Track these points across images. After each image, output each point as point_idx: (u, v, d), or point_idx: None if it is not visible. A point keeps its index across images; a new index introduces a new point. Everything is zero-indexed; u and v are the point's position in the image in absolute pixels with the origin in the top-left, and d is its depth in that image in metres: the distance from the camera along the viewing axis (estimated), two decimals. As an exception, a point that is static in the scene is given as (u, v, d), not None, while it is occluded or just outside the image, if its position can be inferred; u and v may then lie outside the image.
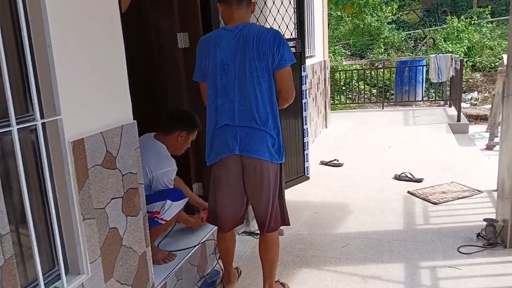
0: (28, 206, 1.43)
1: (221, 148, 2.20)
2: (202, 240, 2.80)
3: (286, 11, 4.09)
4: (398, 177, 4.38)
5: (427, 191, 3.97)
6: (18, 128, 1.39)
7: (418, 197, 3.85)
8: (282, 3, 4.05)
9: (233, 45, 2.12)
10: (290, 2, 4.08)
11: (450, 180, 4.21)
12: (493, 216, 3.14)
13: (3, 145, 1.43)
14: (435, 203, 3.67)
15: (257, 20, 3.61)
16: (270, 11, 3.92)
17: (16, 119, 1.40)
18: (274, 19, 3.94)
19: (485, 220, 3.03)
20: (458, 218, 3.36)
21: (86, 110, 1.68)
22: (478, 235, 3.02)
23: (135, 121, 1.96)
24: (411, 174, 4.36)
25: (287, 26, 4.06)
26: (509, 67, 2.89)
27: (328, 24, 14.09)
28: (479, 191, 3.86)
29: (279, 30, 3.93)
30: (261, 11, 3.72)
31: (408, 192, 3.98)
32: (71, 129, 1.59)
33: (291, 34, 4.07)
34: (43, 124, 1.53)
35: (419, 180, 4.26)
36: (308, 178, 4.36)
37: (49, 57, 1.49)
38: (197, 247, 2.69)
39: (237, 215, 2.36)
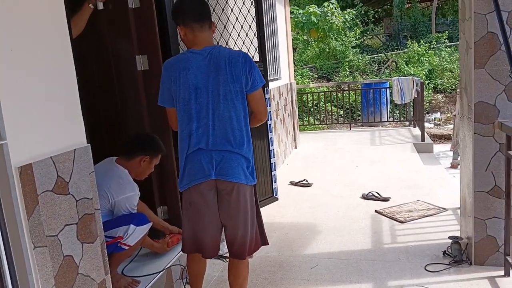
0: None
1: (196, 174, 2.13)
2: (168, 265, 2.70)
3: (247, 35, 4.14)
4: (365, 197, 4.41)
5: (394, 209, 4.00)
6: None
7: (385, 216, 3.87)
8: (242, 27, 4.09)
9: (205, 68, 2.08)
10: (250, 27, 4.13)
11: (416, 198, 4.27)
12: (458, 234, 3.18)
13: None
14: (401, 222, 3.70)
15: (218, 43, 3.61)
16: (230, 35, 3.95)
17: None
18: (235, 42, 3.97)
19: (450, 237, 3.06)
20: (425, 236, 3.39)
21: (35, 134, 1.60)
22: (444, 252, 3.04)
23: (89, 144, 1.88)
24: (378, 193, 4.39)
25: (248, 50, 4.09)
26: (461, 89, 2.99)
27: (295, 48, 14.45)
28: (444, 209, 3.92)
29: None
30: (221, 35, 3.73)
31: (376, 211, 4.00)
32: (18, 154, 1.51)
33: (253, 58, 4.10)
34: (-14, 148, 1.44)
35: (386, 199, 4.29)
36: (277, 199, 4.34)
37: (-7, 80, 1.41)
38: (162, 272, 2.59)
39: (215, 243, 2.27)
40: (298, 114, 9.19)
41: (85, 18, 2.71)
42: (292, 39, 13.83)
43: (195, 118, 2.09)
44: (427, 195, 4.34)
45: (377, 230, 3.58)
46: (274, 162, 4.28)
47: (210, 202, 2.17)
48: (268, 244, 2.40)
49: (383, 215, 3.90)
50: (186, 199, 2.21)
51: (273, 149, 4.26)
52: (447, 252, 3.03)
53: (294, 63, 13.41)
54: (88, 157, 1.88)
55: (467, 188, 2.97)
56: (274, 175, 4.28)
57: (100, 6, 2.72)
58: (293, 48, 14.29)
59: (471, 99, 2.79)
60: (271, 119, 4.17)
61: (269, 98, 4.07)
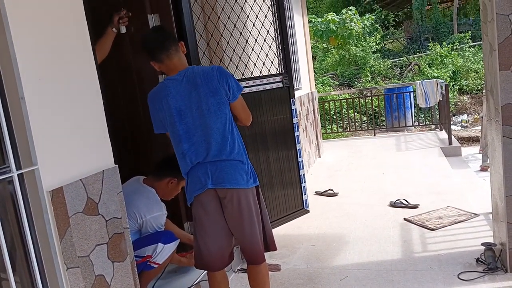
0: (7, 260, 1.38)
1: (194, 186, 2.21)
2: (197, 281, 2.72)
3: (270, 47, 4.13)
4: (393, 204, 4.33)
5: (423, 217, 3.92)
6: (-7, 180, 1.37)
7: (414, 224, 3.79)
8: (265, 40, 4.08)
9: (183, 90, 2.18)
10: (273, 39, 4.13)
11: (446, 204, 4.17)
12: (491, 240, 3.09)
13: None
14: (432, 229, 3.62)
15: (240, 58, 3.64)
16: (253, 49, 3.94)
17: (-9, 171, 1.37)
18: (258, 56, 3.96)
19: (483, 244, 2.97)
20: (456, 244, 3.30)
21: (64, 158, 1.66)
22: (477, 260, 2.95)
23: (117, 165, 1.93)
24: (406, 201, 4.31)
25: (272, 62, 4.08)
26: (488, 92, 2.92)
27: (315, 56, 14.43)
28: (475, 214, 3.82)
29: (264, 66, 3.97)
30: (244, 50, 3.75)
31: (404, 219, 3.93)
32: (49, 178, 1.57)
33: (277, 70, 4.10)
34: (20, 174, 1.50)
35: (414, 206, 4.21)
36: (308, 211, 4.20)
37: (23, 109, 1.48)
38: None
39: (223, 254, 2.30)
40: (321, 122, 9.17)
41: (109, 42, 2.80)
42: (312, 48, 13.86)
43: (184, 138, 2.18)
44: (457, 201, 4.24)
45: (406, 239, 3.51)
46: (304, 174, 4.20)
47: (211, 213, 2.22)
48: (276, 249, 2.42)
49: (412, 223, 3.82)
50: (193, 214, 2.29)
51: (302, 161, 4.17)
52: (480, 259, 2.94)
53: (314, 71, 13.41)
54: (116, 178, 1.93)
55: (498, 193, 2.89)
56: (304, 186, 4.17)
57: (123, 30, 2.81)
58: (312, 57, 14.34)
59: (497, 102, 2.73)
60: (298, 130, 4.09)
61: (295, 109, 4.05)
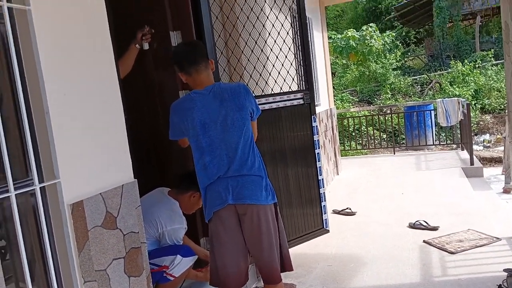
0: (27, 271, 1.40)
1: (214, 201, 2.20)
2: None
3: (291, 64, 4.12)
4: (412, 225, 4.25)
5: (443, 239, 3.82)
6: (17, 193, 1.39)
7: (434, 246, 3.70)
8: (286, 57, 4.08)
9: (209, 104, 2.21)
10: (295, 56, 4.13)
11: (467, 226, 4.07)
12: (514, 265, 2.99)
13: (4, 209, 1.43)
14: (452, 253, 3.52)
15: (260, 75, 3.66)
16: (273, 66, 3.95)
17: (16, 183, 1.41)
18: (279, 72, 3.97)
19: (505, 270, 2.88)
20: (477, 268, 3.21)
21: (86, 172, 1.69)
22: (499, 286, 2.86)
23: (136, 180, 1.95)
24: (426, 222, 4.22)
25: (293, 79, 4.07)
26: (510, 112, 2.87)
27: (334, 72, 14.42)
28: (497, 238, 3.71)
29: (284, 83, 3.97)
30: (264, 66, 3.77)
31: (424, 241, 3.84)
32: (70, 191, 1.59)
33: (298, 86, 4.09)
34: (42, 187, 1.53)
35: (434, 228, 4.12)
36: (328, 231, 4.03)
37: (47, 123, 1.52)
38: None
39: (240, 273, 2.28)
40: (340, 139, 9.11)
41: (132, 58, 2.87)
42: (331, 64, 13.86)
43: (207, 151, 2.20)
44: (478, 223, 4.13)
45: (426, 262, 3.43)
46: (324, 192, 4.06)
47: (230, 229, 2.21)
48: (292, 270, 2.39)
49: (432, 245, 3.74)
50: (210, 230, 2.27)
51: (322, 179, 4.05)
52: (502, 286, 2.84)
53: (333, 88, 13.39)
54: (135, 192, 1.95)
55: (522, 218, 2.81)
56: (324, 205, 4.04)
57: (146, 46, 2.87)
58: (332, 73, 14.34)
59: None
60: (318, 148, 3.99)
61: (316, 126, 3.96)
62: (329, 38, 13.10)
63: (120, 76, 2.80)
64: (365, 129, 9.65)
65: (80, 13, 1.75)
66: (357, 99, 12.52)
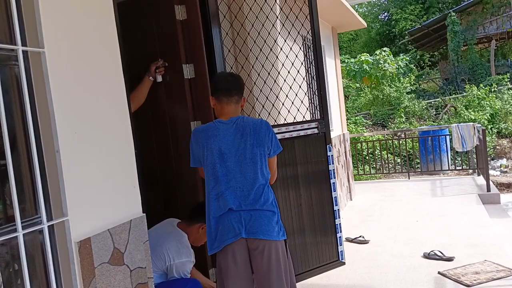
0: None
1: (227, 234, 2.19)
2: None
3: (305, 94, 4.10)
4: (427, 256, 4.15)
5: (459, 271, 3.72)
6: (25, 232, 1.42)
7: (449, 278, 3.60)
8: (300, 87, 4.05)
9: (231, 135, 2.26)
10: (309, 85, 4.10)
11: (483, 257, 3.96)
12: (533, 301, 2.89)
13: (12, 247, 1.45)
14: (468, 286, 3.42)
15: (273, 105, 3.68)
16: (287, 96, 3.93)
17: (24, 221, 1.43)
18: (292, 102, 3.95)
19: (524, 306, 2.78)
20: (495, 303, 3.11)
21: (94, 209, 1.71)
22: (518, 323, 2.76)
23: (144, 214, 1.97)
24: (441, 252, 4.12)
25: (307, 109, 4.05)
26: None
27: (348, 96, 14.45)
28: (516, 270, 3.60)
29: (299, 112, 3.96)
30: (277, 97, 3.78)
31: (439, 272, 3.74)
32: (78, 228, 1.61)
33: (312, 115, 4.06)
34: (50, 225, 1.55)
35: (449, 259, 4.01)
36: (344, 263, 3.91)
37: (57, 162, 1.55)
38: None
39: None
40: (353, 162, 9.03)
41: (146, 90, 2.93)
42: (344, 87, 13.92)
43: (223, 180, 2.21)
44: (495, 254, 4.01)
45: (440, 295, 3.34)
46: (340, 223, 3.93)
47: (240, 264, 2.20)
48: None
49: (447, 277, 3.64)
50: (218, 262, 2.26)
51: (338, 209, 3.94)
52: (522, 323, 2.74)
53: (347, 111, 13.38)
54: (143, 227, 1.96)
55: (540, 252, 2.73)
56: (340, 237, 3.91)
57: (159, 78, 2.94)
58: (345, 96, 14.36)
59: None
60: (334, 178, 3.90)
61: (332, 155, 3.88)
62: (343, 62, 13.19)
63: (133, 108, 2.88)
64: (379, 153, 9.57)
65: (94, 53, 1.81)
66: (371, 123, 12.47)
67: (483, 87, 11.63)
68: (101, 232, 1.71)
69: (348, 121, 12.21)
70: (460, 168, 8.67)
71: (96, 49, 1.83)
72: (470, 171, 8.31)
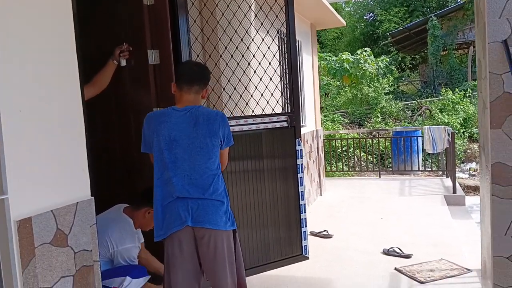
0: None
1: (173, 222, 2.20)
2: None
3: (276, 86, 4.10)
4: (386, 252, 4.24)
5: (415, 268, 3.82)
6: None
7: (405, 275, 3.70)
8: (271, 79, 4.05)
9: (183, 123, 2.26)
10: (281, 78, 4.09)
11: (440, 256, 4.07)
12: (480, 299, 2.99)
13: None
14: (421, 282, 3.52)
15: (241, 96, 3.69)
16: (256, 87, 3.94)
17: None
18: (261, 94, 3.95)
19: (470, 303, 2.88)
20: (444, 300, 3.20)
21: (37, 188, 1.69)
22: (462, 319, 2.85)
23: (92, 198, 1.96)
24: (400, 249, 4.22)
25: (277, 102, 4.03)
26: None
27: (328, 93, 14.56)
28: (468, 270, 3.71)
29: (268, 105, 3.96)
30: (246, 88, 3.78)
31: (395, 268, 3.83)
32: (18, 207, 1.60)
33: (282, 109, 4.05)
34: (-12, 202, 1.53)
35: (407, 256, 4.11)
36: (307, 258, 3.91)
37: (-1, 139, 1.53)
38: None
39: None
40: (327, 159, 9.14)
41: (110, 74, 2.90)
42: (325, 84, 14.02)
43: (170, 167, 2.22)
44: (452, 253, 4.13)
45: (394, 290, 3.42)
46: (305, 218, 3.91)
47: (186, 252, 2.22)
48: None
49: (402, 273, 3.73)
50: (165, 249, 2.26)
51: (304, 204, 3.91)
52: (466, 319, 2.84)
53: (326, 108, 13.50)
54: (91, 210, 1.95)
55: (486, 252, 2.82)
56: (304, 231, 3.90)
57: (123, 63, 2.91)
58: (325, 94, 14.47)
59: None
60: (302, 172, 3.87)
61: (301, 149, 3.83)
62: (324, 59, 13.27)
63: (96, 91, 2.84)
64: (353, 151, 9.70)
65: (45, 28, 1.78)
66: (348, 121, 12.61)
67: (458, 92, 11.87)
68: (43, 212, 1.70)
69: (326, 118, 12.32)
70: (430, 169, 8.86)
71: (47, 25, 1.80)
72: (440, 172, 8.50)
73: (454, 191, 6.68)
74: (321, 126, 8.01)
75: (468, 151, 10.52)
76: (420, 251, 4.24)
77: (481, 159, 2.91)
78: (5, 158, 1.55)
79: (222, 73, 3.46)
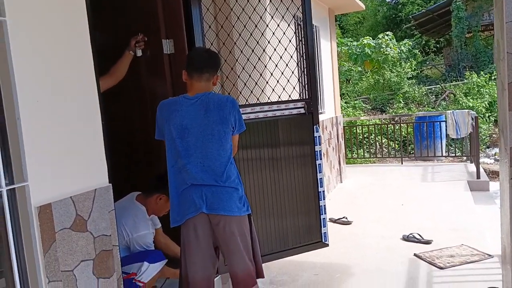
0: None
1: (188, 208, 2.25)
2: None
3: (293, 73, 4.07)
4: (406, 238, 4.22)
5: (434, 254, 3.79)
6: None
7: (424, 260, 3.68)
8: (287, 65, 4.02)
9: (194, 111, 2.28)
10: (298, 64, 4.06)
11: (461, 242, 4.02)
12: (500, 285, 2.96)
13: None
14: (441, 268, 3.50)
15: (256, 83, 3.69)
16: (271, 74, 3.92)
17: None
18: (277, 81, 3.94)
19: (489, 288, 2.85)
20: (464, 285, 3.18)
21: (56, 176, 1.76)
22: (481, 304, 2.83)
23: (110, 184, 2.02)
24: (420, 235, 4.19)
25: (294, 88, 4.01)
26: (500, 131, 2.84)
27: (350, 79, 14.36)
28: (489, 255, 3.66)
29: (285, 91, 3.95)
30: (261, 75, 3.78)
31: (415, 254, 3.82)
32: (39, 194, 1.67)
33: (300, 95, 3.95)
34: (10, 190, 1.61)
35: (427, 242, 4.08)
36: (327, 245, 3.84)
37: (18, 129, 1.60)
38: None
39: (209, 280, 2.33)
40: (348, 146, 9.06)
41: (126, 64, 2.95)
42: (346, 70, 13.84)
43: (184, 155, 2.25)
44: (473, 239, 4.08)
45: (413, 276, 3.41)
46: (324, 205, 3.87)
47: (201, 238, 2.26)
48: (263, 277, 2.44)
49: (422, 259, 3.71)
50: (182, 235, 2.32)
51: (323, 191, 3.87)
52: (485, 304, 2.82)
53: (347, 95, 13.34)
54: (109, 196, 2.02)
55: (506, 236, 2.78)
56: (324, 218, 3.86)
57: (139, 53, 2.96)
58: (347, 80, 14.28)
59: (506, 142, 2.65)
60: (320, 159, 3.83)
61: (319, 136, 3.79)
62: (345, 45, 13.07)
63: (114, 82, 2.90)
64: (374, 138, 9.59)
65: (59, 22, 1.84)
66: (370, 107, 12.43)
67: (484, 75, 11.52)
68: (63, 198, 1.77)
69: (347, 104, 12.18)
70: (454, 155, 8.69)
71: (61, 18, 1.85)
72: (464, 158, 8.33)
73: (478, 177, 6.55)
74: (342, 113, 7.95)
75: (494, 135, 10.24)
76: (441, 237, 4.21)
77: (500, 142, 2.85)
78: (24, 147, 1.62)
79: (237, 60, 3.48)
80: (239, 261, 2.29)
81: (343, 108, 11.34)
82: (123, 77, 2.95)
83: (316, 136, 3.85)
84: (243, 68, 3.52)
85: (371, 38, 12.87)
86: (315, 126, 3.84)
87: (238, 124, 2.35)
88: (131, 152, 3.14)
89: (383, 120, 9.92)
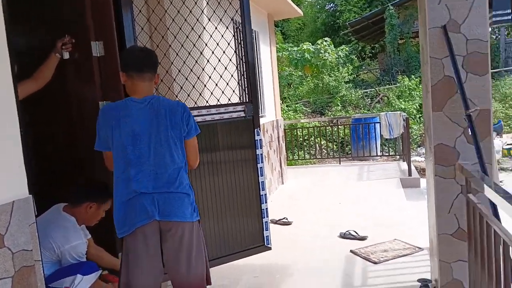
0: None
1: (138, 216, 2.14)
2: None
3: (232, 76, 4.06)
4: (343, 235, 4.36)
5: (369, 249, 3.95)
6: None
7: (359, 256, 3.81)
8: (226, 68, 3.99)
9: (145, 116, 2.18)
10: (237, 68, 4.05)
11: (394, 237, 4.22)
12: (429, 276, 3.12)
13: None
14: (375, 262, 3.64)
15: (193, 86, 3.64)
16: (210, 77, 3.89)
17: None
18: (216, 84, 3.91)
19: (419, 280, 3.01)
20: (396, 278, 3.32)
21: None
22: (412, 296, 2.98)
23: (30, 196, 1.89)
24: (356, 232, 4.34)
25: (233, 91, 4.00)
26: (425, 131, 3.01)
27: (291, 83, 14.67)
28: (420, 248, 3.87)
29: (223, 94, 3.92)
30: (198, 78, 3.74)
31: (351, 251, 3.95)
32: None
33: (240, 99, 3.97)
34: None
35: (362, 238, 4.24)
36: (269, 248, 3.86)
37: None
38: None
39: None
40: (289, 148, 9.24)
41: (52, 67, 2.79)
42: (288, 75, 14.12)
43: (134, 163, 2.15)
44: (405, 234, 4.29)
45: (349, 272, 3.52)
46: (266, 208, 3.90)
47: (151, 246, 2.18)
48: (210, 284, 2.39)
49: (357, 255, 3.84)
50: (127, 245, 2.20)
51: (265, 194, 3.89)
52: (416, 296, 2.96)
53: (288, 99, 13.61)
54: (29, 208, 1.89)
55: (432, 230, 2.95)
56: (266, 222, 3.88)
57: (66, 55, 2.81)
58: (288, 84, 14.57)
59: (431, 141, 2.81)
60: (262, 162, 3.85)
61: (260, 139, 3.81)
62: (286, 50, 13.34)
63: (39, 86, 2.73)
64: (314, 140, 9.85)
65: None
66: (310, 110, 12.77)
67: (414, 78, 12.23)
68: (-26, 212, 1.63)
69: (288, 108, 12.43)
70: (388, 154, 9.13)
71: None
72: (397, 157, 8.77)
73: (410, 174, 6.92)
74: (282, 116, 8.08)
75: (424, 135, 10.89)
76: (375, 233, 4.38)
77: (425, 141, 3.02)
78: None
79: (172, 63, 3.41)
80: (183, 269, 2.21)
81: (284, 111, 11.55)
82: (49, 80, 2.80)
83: (257, 140, 3.86)
84: (179, 71, 3.46)
85: (310, 43, 13.23)
86: (256, 130, 3.85)
87: (190, 128, 2.26)
88: (55, 157, 2.97)
89: (322, 123, 10.22)
